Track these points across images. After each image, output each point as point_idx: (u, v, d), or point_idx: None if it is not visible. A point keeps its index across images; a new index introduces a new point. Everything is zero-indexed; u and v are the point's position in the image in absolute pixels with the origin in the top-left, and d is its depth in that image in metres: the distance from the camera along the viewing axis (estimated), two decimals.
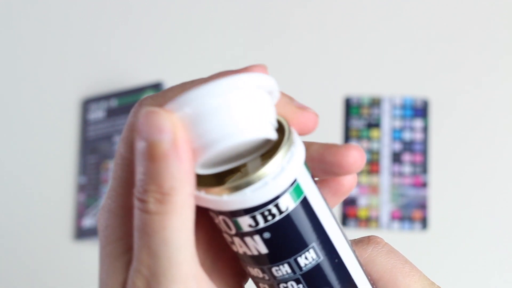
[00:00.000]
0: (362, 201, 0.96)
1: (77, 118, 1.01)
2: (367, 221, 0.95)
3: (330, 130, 0.98)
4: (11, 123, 1.02)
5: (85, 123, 1.00)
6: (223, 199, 0.29)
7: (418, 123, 0.98)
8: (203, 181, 0.31)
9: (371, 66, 1.00)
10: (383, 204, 0.96)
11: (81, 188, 0.97)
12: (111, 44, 1.03)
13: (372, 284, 0.34)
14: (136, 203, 0.29)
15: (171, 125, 0.28)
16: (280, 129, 0.31)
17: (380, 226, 0.95)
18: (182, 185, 0.29)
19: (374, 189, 0.96)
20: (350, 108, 0.99)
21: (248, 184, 0.29)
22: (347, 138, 0.98)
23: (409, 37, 1.00)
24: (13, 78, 1.03)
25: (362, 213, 0.96)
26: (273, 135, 0.30)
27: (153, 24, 1.03)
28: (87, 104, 1.00)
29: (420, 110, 0.98)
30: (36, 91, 1.03)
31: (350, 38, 1.01)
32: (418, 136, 0.98)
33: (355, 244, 0.35)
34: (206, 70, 1.01)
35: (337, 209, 0.96)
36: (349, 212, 0.96)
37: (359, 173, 0.97)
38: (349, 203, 0.96)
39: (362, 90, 0.99)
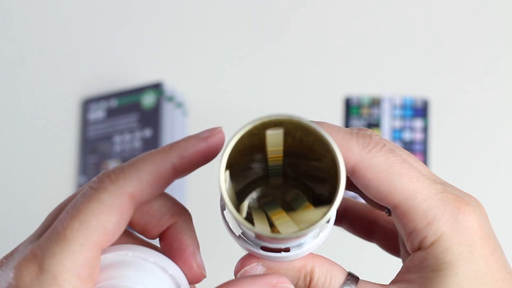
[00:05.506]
0: (363, 201, 0.96)
1: (77, 118, 1.01)
2: None
3: None
4: (11, 123, 1.02)
5: (85, 123, 1.00)
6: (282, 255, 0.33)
7: (418, 123, 0.98)
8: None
9: (371, 66, 1.00)
10: None
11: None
12: (111, 44, 1.03)
13: None
14: None
15: None
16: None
17: None
18: None
19: None
20: (350, 108, 0.99)
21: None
22: None
23: (409, 37, 1.00)
24: (13, 78, 1.03)
25: None
26: None
27: (153, 24, 1.03)
28: (87, 104, 1.00)
29: (420, 110, 0.98)
30: (36, 91, 1.03)
31: (350, 38, 1.01)
32: (418, 136, 0.98)
33: (357, 138, 0.33)
34: (206, 70, 1.01)
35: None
36: None
37: None
38: None
39: (362, 90, 0.99)
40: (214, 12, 1.03)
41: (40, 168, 0.99)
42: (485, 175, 0.96)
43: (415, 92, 0.99)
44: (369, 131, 0.34)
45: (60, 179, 0.99)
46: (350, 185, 0.38)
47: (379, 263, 0.84)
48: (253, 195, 0.36)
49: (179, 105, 0.97)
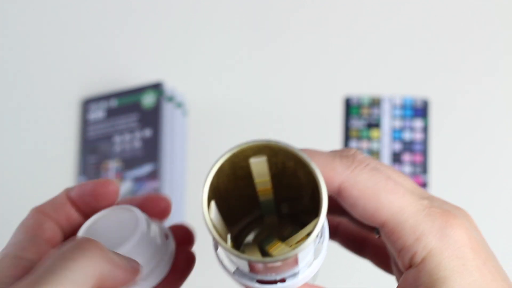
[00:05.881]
0: None
1: (77, 118, 1.01)
2: None
3: (330, 130, 0.98)
4: (11, 123, 1.02)
5: (85, 123, 1.00)
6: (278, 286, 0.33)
7: (418, 123, 0.98)
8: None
9: (371, 66, 1.00)
10: None
11: None
12: (111, 44, 1.03)
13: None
14: None
15: None
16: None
17: None
18: None
19: None
20: (350, 108, 0.99)
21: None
22: (347, 138, 0.98)
23: (409, 37, 1.00)
24: (13, 78, 1.03)
25: None
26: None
27: (153, 24, 1.03)
28: (87, 104, 1.00)
29: (420, 110, 0.98)
30: (36, 91, 1.03)
31: (350, 38, 1.01)
32: (418, 136, 0.98)
33: (340, 158, 0.33)
34: (206, 70, 1.01)
35: None
36: None
37: None
38: None
39: (362, 90, 0.99)
40: (214, 12, 1.03)
41: (40, 168, 0.99)
42: (485, 175, 0.96)
43: (415, 92, 0.99)
44: (352, 150, 0.34)
45: (60, 179, 0.99)
46: (338, 210, 0.38)
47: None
48: (250, 237, 0.36)
49: (179, 105, 0.97)
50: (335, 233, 0.41)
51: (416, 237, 0.32)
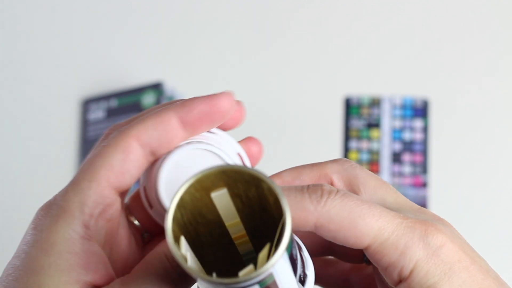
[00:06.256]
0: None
1: (77, 118, 1.01)
2: None
3: (330, 130, 0.98)
4: (11, 123, 1.02)
5: (85, 123, 1.00)
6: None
7: (418, 123, 0.98)
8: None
9: (371, 66, 1.00)
10: None
11: None
12: (111, 44, 1.03)
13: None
14: None
15: None
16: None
17: None
18: None
19: None
20: (350, 108, 0.99)
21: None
22: (347, 138, 0.98)
23: (409, 37, 1.00)
24: (13, 78, 1.03)
25: None
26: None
27: (153, 24, 1.03)
28: (87, 104, 1.00)
29: (420, 110, 0.98)
30: (36, 91, 1.03)
31: (350, 38, 1.01)
32: (418, 136, 0.97)
33: (308, 195, 0.32)
34: (206, 70, 1.01)
35: None
36: None
37: None
38: None
39: (362, 90, 0.99)
40: (214, 12, 1.03)
41: (40, 168, 0.99)
42: (485, 175, 0.95)
43: (415, 92, 0.99)
44: (318, 183, 0.33)
45: (60, 179, 0.99)
46: (323, 249, 0.39)
47: None
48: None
49: None
50: (318, 279, 0.41)
51: (400, 252, 0.32)
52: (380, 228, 0.32)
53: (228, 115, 0.35)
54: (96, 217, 0.32)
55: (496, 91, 0.98)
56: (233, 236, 0.32)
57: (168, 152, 0.34)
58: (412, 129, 0.98)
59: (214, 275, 0.28)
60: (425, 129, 0.98)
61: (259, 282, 0.28)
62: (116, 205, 0.33)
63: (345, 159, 0.36)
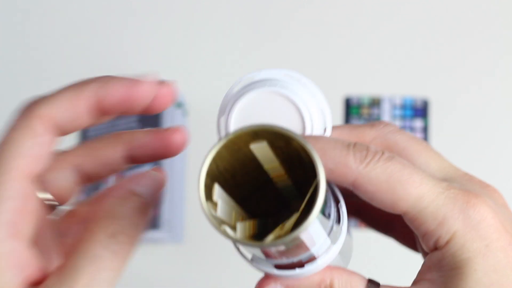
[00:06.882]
0: None
1: None
2: None
3: None
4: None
5: None
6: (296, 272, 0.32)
7: (418, 123, 0.98)
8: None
9: (371, 66, 1.00)
10: None
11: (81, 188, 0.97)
12: (111, 44, 1.03)
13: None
14: None
15: None
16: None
17: None
18: None
19: None
20: (350, 108, 0.99)
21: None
22: None
23: (409, 37, 1.00)
24: (13, 78, 1.03)
25: None
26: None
27: (153, 24, 1.03)
28: None
29: (420, 110, 0.98)
30: (36, 91, 1.02)
31: (350, 38, 1.01)
32: (418, 136, 0.97)
33: (353, 153, 0.32)
34: (206, 71, 1.01)
35: None
36: None
37: None
38: None
39: (362, 90, 0.99)
40: (214, 12, 1.03)
41: None
42: (485, 175, 0.95)
43: (415, 92, 0.99)
44: (366, 144, 0.33)
45: None
46: (353, 210, 0.39)
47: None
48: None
49: (179, 105, 0.97)
50: (358, 213, 0.41)
51: (438, 222, 0.32)
52: (419, 196, 0.32)
53: (147, 102, 0.34)
54: (18, 213, 0.31)
55: (496, 91, 0.98)
56: (272, 175, 0.32)
57: (246, 91, 0.36)
58: (412, 129, 0.98)
59: (239, 231, 0.30)
60: (425, 129, 0.98)
61: (285, 244, 0.29)
62: (35, 194, 0.32)
63: (385, 122, 0.35)
